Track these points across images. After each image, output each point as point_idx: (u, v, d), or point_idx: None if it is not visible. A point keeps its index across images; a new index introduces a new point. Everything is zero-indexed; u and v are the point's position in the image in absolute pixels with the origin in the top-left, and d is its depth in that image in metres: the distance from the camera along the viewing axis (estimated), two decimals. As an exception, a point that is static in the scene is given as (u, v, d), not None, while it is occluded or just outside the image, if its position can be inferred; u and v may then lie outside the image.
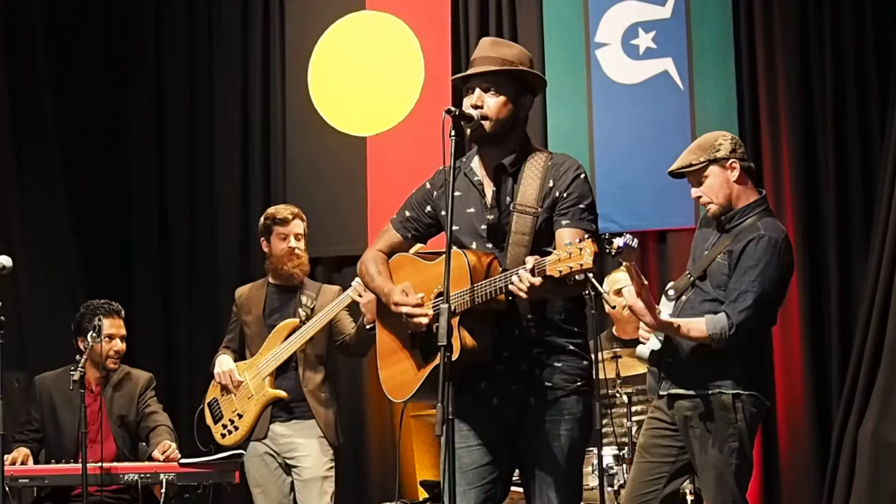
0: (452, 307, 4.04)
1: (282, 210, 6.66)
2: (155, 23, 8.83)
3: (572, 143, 7.65)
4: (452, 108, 4.18)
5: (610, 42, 7.83)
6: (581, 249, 3.84)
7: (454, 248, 4.20)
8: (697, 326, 4.97)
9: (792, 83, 7.46)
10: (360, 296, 6.19)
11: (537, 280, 3.93)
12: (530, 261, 3.97)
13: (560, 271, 3.88)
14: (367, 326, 6.25)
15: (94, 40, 8.77)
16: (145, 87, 8.79)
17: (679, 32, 7.70)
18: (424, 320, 4.18)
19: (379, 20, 8.33)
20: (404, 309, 4.22)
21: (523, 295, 3.98)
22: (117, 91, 8.84)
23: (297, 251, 6.54)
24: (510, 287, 3.99)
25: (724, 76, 7.56)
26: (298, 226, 6.58)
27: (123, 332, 6.69)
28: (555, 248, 4.14)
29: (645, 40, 7.76)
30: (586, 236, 3.97)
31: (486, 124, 4.24)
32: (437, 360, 4.02)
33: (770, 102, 7.51)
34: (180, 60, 8.77)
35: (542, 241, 4.21)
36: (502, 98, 4.26)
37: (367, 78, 8.32)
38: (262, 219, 6.69)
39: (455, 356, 4.06)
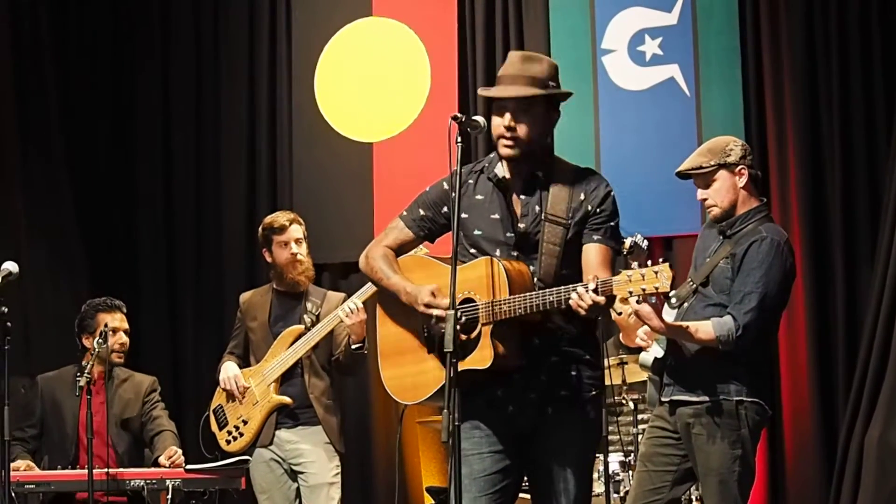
0: (481, 315, 4.07)
1: (278, 218, 6.63)
2: (161, 29, 8.85)
3: (578, 149, 7.64)
4: (459, 115, 4.18)
5: (616, 48, 7.83)
6: (657, 273, 3.85)
7: (485, 256, 4.21)
8: (704, 329, 4.97)
9: (798, 90, 7.45)
10: (349, 316, 6.19)
11: (601, 299, 3.94)
12: (593, 280, 3.97)
13: (631, 292, 3.89)
14: (353, 346, 6.26)
15: (101, 45, 8.79)
16: (151, 91, 8.80)
17: (685, 39, 7.70)
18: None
19: (386, 26, 8.34)
20: (436, 312, 4.17)
21: (583, 312, 3.99)
22: (123, 96, 8.85)
23: (299, 257, 6.51)
24: (570, 303, 3.99)
25: (731, 83, 7.56)
26: (297, 230, 6.55)
27: (126, 325, 6.72)
28: (582, 261, 4.17)
29: (651, 47, 7.76)
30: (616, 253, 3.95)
31: (519, 146, 4.24)
32: (460, 366, 4.01)
33: (776, 109, 7.51)
34: (187, 66, 8.79)
35: (570, 251, 4.22)
36: (534, 119, 4.26)
37: (374, 84, 8.33)
38: (259, 230, 6.68)
39: (486, 364, 4.08)
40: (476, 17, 8.14)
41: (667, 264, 3.83)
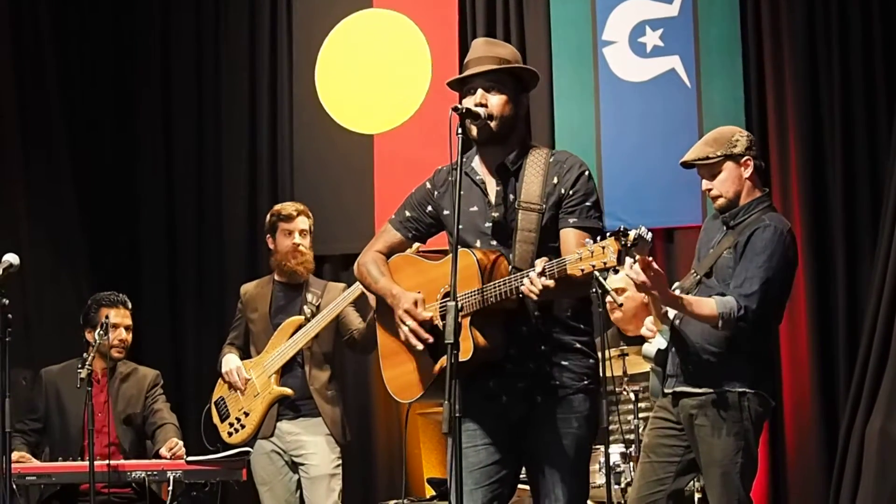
0: (462, 306, 4.05)
1: (287, 207, 6.69)
2: (162, 21, 8.84)
3: (579, 140, 7.65)
4: (459, 106, 4.22)
5: (617, 40, 7.82)
6: (604, 248, 3.85)
7: (460, 247, 4.21)
8: (707, 304, 4.96)
9: (799, 81, 7.45)
10: None
11: (550, 282, 3.94)
12: (540, 263, 3.98)
13: (583, 270, 3.89)
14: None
15: (102, 39, 8.78)
16: (153, 85, 8.80)
17: (686, 30, 7.69)
18: (419, 346, 4.18)
19: (386, 18, 8.33)
20: (410, 323, 4.21)
21: (534, 297, 3.99)
22: (124, 90, 8.85)
23: (300, 248, 6.55)
24: (521, 289, 4.00)
25: (732, 74, 7.55)
26: (303, 222, 6.60)
27: (128, 322, 6.71)
28: (560, 246, 4.17)
29: (652, 38, 7.75)
30: (596, 239, 3.94)
31: (493, 123, 4.26)
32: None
33: (777, 100, 7.50)
34: (188, 59, 8.78)
35: (547, 237, 4.22)
36: (504, 97, 4.29)
37: (375, 76, 8.32)
38: (268, 216, 6.73)
39: (468, 356, 4.08)
40: (477, 8, 8.13)
41: (612, 238, 3.84)
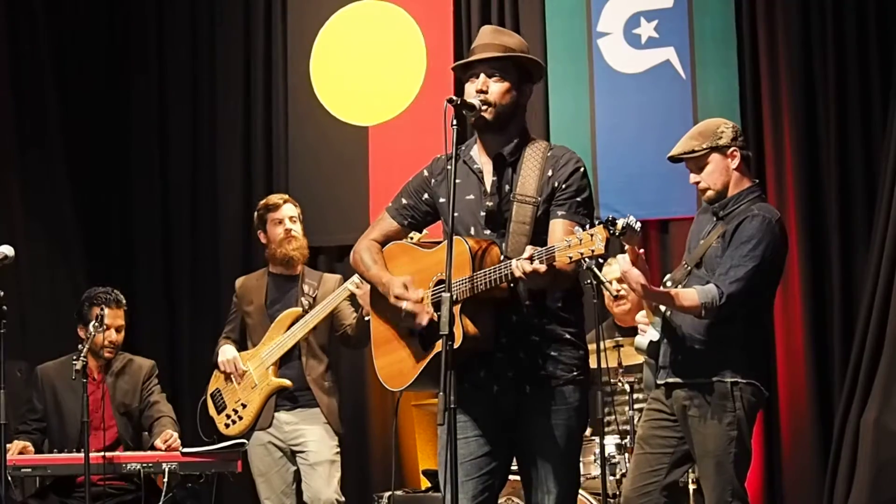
0: (454, 295, 4.05)
1: (272, 197, 6.76)
2: (157, 13, 8.84)
3: (574, 132, 7.65)
4: (454, 98, 4.21)
5: (612, 31, 7.82)
6: (592, 236, 3.86)
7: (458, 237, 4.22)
8: (689, 295, 4.96)
9: (794, 71, 7.45)
10: (359, 287, 6.20)
11: (542, 267, 3.94)
12: (529, 250, 3.99)
13: (571, 258, 3.90)
14: (367, 318, 6.25)
15: (97, 33, 8.77)
16: (148, 77, 8.80)
17: (681, 21, 7.69)
18: (425, 319, 4.18)
19: (381, 9, 8.32)
20: (405, 304, 4.22)
21: (523, 277, 3.99)
22: (120, 82, 8.84)
23: (293, 233, 6.57)
24: (512, 267, 4.00)
25: (727, 65, 7.56)
26: (291, 209, 6.63)
27: (121, 322, 6.65)
28: (548, 237, 4.17)
29: (647, 29, 7.75)
30: (585, 229, 3.96)
31: (490, 111, 4.25)
32: (437, 349, 4.02)
33: (772, 91, 7.50)
34: (183, 51, 8.78)
35: (541, 229, 4.23)
36: (506, 84, 4.28)
37: (370, 67, 8.32)
38: (255, 212, 6.74)
39: (457, 344, 4.06)
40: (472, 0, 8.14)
41: (601, 226, 3.85)
